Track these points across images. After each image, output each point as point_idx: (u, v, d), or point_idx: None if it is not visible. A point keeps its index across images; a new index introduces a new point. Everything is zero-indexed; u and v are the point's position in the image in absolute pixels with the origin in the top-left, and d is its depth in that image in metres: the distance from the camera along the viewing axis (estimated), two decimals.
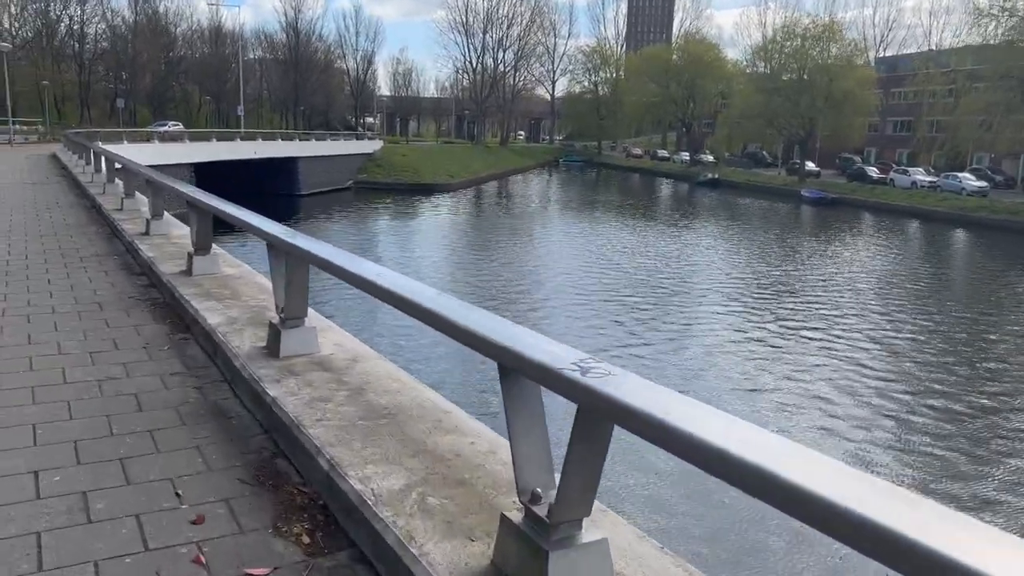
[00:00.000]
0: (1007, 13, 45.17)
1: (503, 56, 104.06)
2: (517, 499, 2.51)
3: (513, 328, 2.59)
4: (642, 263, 32.05)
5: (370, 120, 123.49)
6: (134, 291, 7.39)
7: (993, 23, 45.92)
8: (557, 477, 2.54)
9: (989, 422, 14.92)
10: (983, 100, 46.37)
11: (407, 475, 3.13)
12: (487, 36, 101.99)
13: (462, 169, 73.22)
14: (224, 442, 3.91)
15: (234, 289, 6.69)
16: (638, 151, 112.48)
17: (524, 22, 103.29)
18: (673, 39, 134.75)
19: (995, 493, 11.90)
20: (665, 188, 79.76)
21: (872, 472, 11.59)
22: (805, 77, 65.34)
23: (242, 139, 50.70)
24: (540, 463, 2.48)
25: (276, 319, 4.82)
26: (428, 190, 62.28)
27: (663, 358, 18.35)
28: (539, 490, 2.43)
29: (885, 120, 73.74)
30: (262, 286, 6.80)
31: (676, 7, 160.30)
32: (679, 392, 2.12)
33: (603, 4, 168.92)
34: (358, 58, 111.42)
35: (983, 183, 54.24)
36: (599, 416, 2.16)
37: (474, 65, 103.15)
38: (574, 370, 2.17)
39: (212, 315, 5.74)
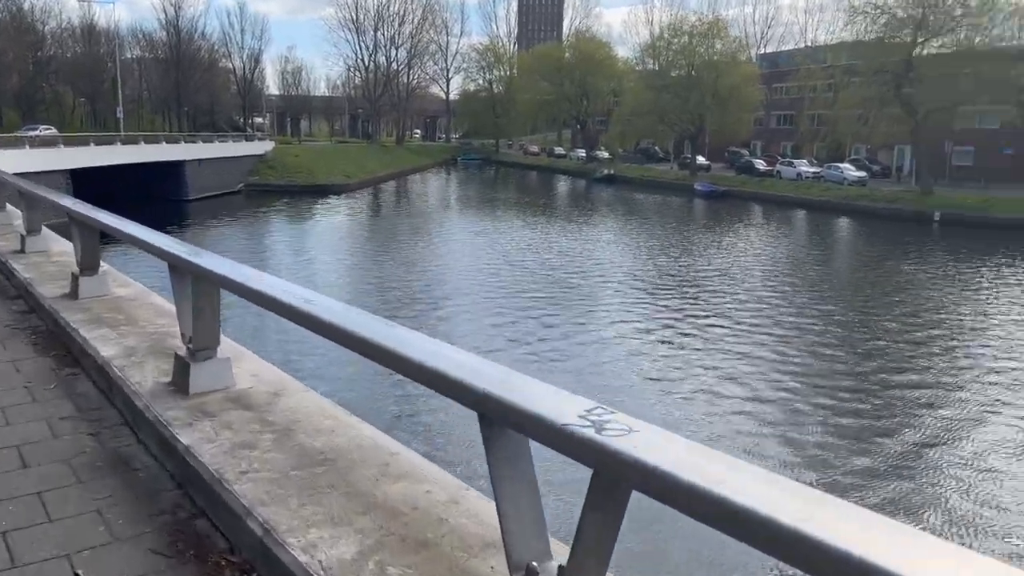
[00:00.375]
0: (879, 11, 47.52)
1: (396, 54, 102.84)
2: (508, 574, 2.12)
3: (496, 369, 2.19)
4: (545, 259, 32.03)
5: (259, 120, 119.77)
6: (9, 318, 6.57)
7: (866, 20, 48.23)
8: (552, 543, 2.16)
9: (875, 400, 15.46)
10: (859, 95, 48.59)
11: (359, 539, 2.69)
12: (378, 34, 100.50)
13: (358, 169, 71.75)
14: (130, 502, 3.34)
15: (129, 313, 6.01)
16: (535, 149, 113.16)
17: (416, 19, 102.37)
18: (564, 37, 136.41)
19: (881, 469, 12.29)
20: (563, 185, 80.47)
21: (777, 462, 11.73)
22: (693, 74, 67.03)
23: (123, 143, 47.95)
24: (534, 531, 2.10)
25: (183, 350, 4.25)
26: (323, 191, 60.68)
27: (569, 351, 18.28)
28: (535, 564, 2.05)
29: (769, 114, 76.54)
30: (161, 308, 6.13)
31: (566, 5, 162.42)
32: (693, 440, 1.78)
33: (494, 2, 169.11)
34: (244, 56, 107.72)
35: (862, 173, 57.02)
36: (620, 480, 1.79)
37: (366, 63, 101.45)
38: (585, 425, 1.80)
39: (105, 345, 5.08)
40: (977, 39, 45.61)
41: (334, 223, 47.80)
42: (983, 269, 31.55)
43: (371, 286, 26.67)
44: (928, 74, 45.75)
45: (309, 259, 33.45)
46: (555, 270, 29.69)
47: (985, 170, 55.02)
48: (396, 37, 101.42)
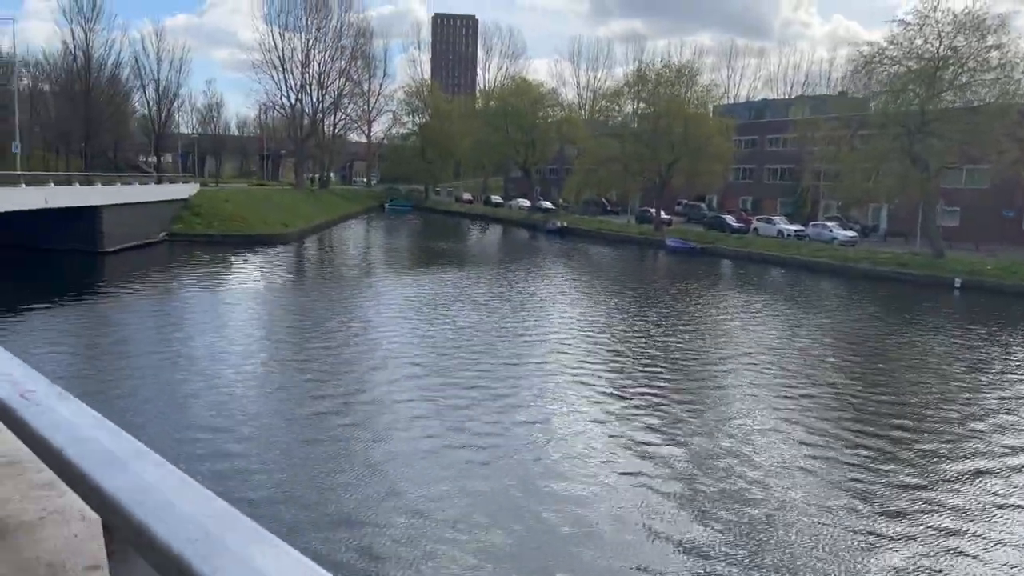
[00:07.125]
0: (893, 61, 44.73)
1: (322, 96, 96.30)
2: None
3: None
4: (615, 344, 26.08)
5: (165, 159, 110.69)
6: None
7: (879, 71, 45.30)
8: None
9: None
10: (871, 148, 45.29)
11: None
12: (307, 72, 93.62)
13: (294, 216, 64.36)
14: None
15: None
16: (468, 196, 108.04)
17: (344, 63, 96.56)
18: (484, 84, 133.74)
19: None
20: (517, 236, 74.94)
21: None
22: (661, 122, 62.73)
23: (28, 184, 39.52)
24: None
25: None
26: (261, 241, 53.16)
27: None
28: None
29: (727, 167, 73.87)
30: None
31: (480, 55, 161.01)
32: None
33: (419, 46, 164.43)
34: (160, 88, 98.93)
35: (851, 233, 53.92)
36: None
37: (292, 103, 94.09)
38: None
39: None
40: (990, 93, 43.14)
41: (283, 282, 40.58)
42: None
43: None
44: (943, 129, 42.92)
45: (295, 339, 26.48)
46: (632, 355, 23.75)
47: (974, 232, 52.96)
48: (324, 79, 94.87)
